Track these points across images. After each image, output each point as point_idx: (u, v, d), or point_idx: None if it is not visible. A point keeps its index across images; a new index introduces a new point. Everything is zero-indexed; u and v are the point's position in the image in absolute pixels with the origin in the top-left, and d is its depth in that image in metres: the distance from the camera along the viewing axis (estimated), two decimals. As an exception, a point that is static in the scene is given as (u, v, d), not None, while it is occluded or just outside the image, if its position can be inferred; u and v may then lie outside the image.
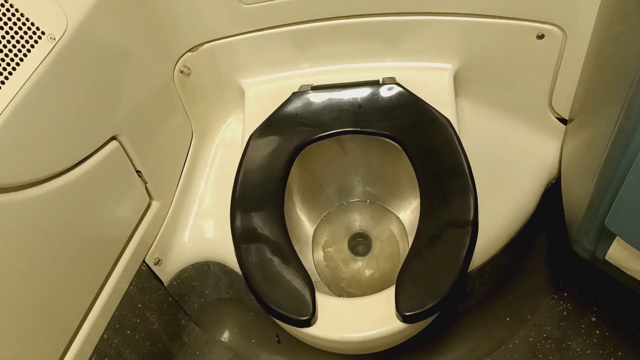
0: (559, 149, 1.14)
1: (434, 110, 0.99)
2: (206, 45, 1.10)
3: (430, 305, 0.76)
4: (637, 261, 0.78)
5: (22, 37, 0.73)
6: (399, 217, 1.10)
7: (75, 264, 0.86)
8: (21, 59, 0.72)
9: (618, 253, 0.80)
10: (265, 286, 0.82)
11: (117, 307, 0.98)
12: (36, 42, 0.74)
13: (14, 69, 0.71)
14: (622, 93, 0.69)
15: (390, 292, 0.80)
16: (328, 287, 1.03)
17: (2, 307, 0.73)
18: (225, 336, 1.23)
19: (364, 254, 1.10)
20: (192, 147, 1.18)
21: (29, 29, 0.74)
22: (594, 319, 1.13)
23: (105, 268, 0.95)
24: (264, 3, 1.03)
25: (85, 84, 0.83)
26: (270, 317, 0.83)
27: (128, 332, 1.02)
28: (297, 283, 0.82)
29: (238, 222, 0.90)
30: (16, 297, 0.75)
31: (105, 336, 0.95)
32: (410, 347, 1.05)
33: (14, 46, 0.72)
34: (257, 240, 0.88)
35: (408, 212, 1.08)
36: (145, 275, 1.06)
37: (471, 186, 0.88)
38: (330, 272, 1.06)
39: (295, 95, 1.06)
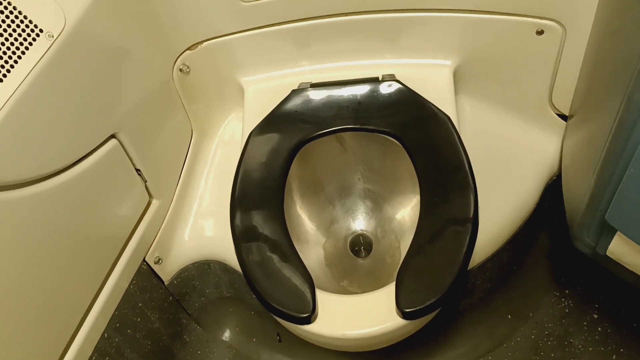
0: (560, 145, 1.13)
1: (433, 107, 0.99)
2: (205, 43, 1.10)
3: (430, 302, 0.76)
4: (638, 256, 0.77)
5: (20, 35, 0.73)
6: (399, 214, 1.10)
7: (75, 262, 0.86)
8: (19, 57, 0.72)
9: (619, 248, 0.79)
10: (265, 284, 0.82)
11: (118, 306, 0.98)
12: (34, 39, 0.74)
13: (12, 66, 0.71)
14: (621, 87, 0.68)
15: (391, 288, 0.79)
16: (328, 285, 1.03)
17: (2, 306, 0.73)
18: (226, 335, 1.23)
19: (364, 251, 1.10)
20: (191, 146, 1.18)
21: (27, 26, 0.74)
22: (595, 316, 1.13)
23: (106, 267, 0.95)
24: (263, 0, 1.03)
25: (84, 81, 0.83)
26: (271, 315, 0.83)
27: (129, 331, 1.01)
28: (297, 280, 0.82)
29: (238, 221, 0.90)
30: (16, 295, 0.75)
31: (106, 335, 0.95)
32: (411, 344, 1.05)
33: (12, 44, 0.72)
34: (257, 239, 0.87)
35: (408, 209, 1.08)
36: (145, 274, 1.06)
37: (471, 183, 0.88)
38: (330, 270, 1.06)
39: (294, 92, 1.05)
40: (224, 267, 1.15)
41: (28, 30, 0.74)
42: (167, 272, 1.13)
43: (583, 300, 1.15)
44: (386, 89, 1.03)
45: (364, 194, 1.13)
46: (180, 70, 1.10)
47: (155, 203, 1.07)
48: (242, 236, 0.88)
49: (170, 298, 1.15)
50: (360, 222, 1.12)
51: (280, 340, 1.21)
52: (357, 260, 1.08)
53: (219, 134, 1.26)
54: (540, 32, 1.00)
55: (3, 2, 0.73)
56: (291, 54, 1.13)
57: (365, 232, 1.11)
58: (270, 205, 0.92)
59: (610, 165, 0.74)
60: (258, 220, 0.90)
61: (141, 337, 1.05)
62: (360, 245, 1.11)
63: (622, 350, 1.08)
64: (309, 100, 1.04)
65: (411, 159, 0.93)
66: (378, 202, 1.12)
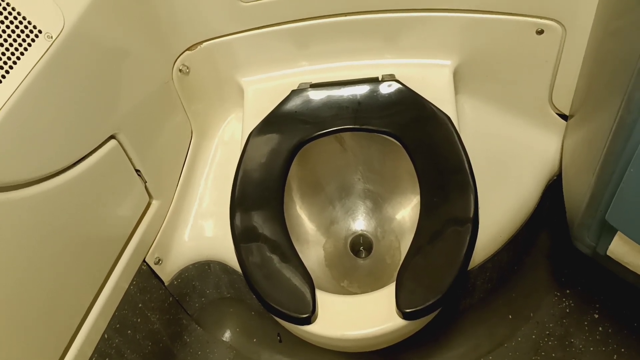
0: (560, 144, 1.13)
1: (433, 107, 0.99)
2: (205, 43, 1.10)
3: (430, 302, 0.76)
4: (639, 256, 0.77)
5: (19, 36, 0.73)
6: (399, 214, 1.09)
7: (75, 263, 0.86)
8: (18, 58, 0.72)
9: (619, 248, 0.79)
10: (265, 284, 0.82)
11: (118, 306, 0.98)
12: (33, 40, 0.74)
13: (10, 67, 0.71)
14: (621, 87, 0.68)
15: (391, 289, 0.79)
16: (328, 286, 1.03)
17: (2, 306, 0.73)
18: (227, 335, 1.23)
19: (364, 251, 1.09)
20: (191, 146, 1.18)
21: (26, 27, 0.74)
22: (596, 316, 1.13)
23: (106, 267, 0.95)
24: (263, 1, 1.03)
25: (83, 82, 0.83)
26: (271, 315, 0.83)
27: (129, 331, 1.01)
28: (297, 281, 0.81)
29: (238, 221, 0.90)
30: (16, 296, 0.75)
31: (106, 336, 0.95)
32: (411, 344, 1.05)
33: (11, 45, 0.72)
34: (257, 239, 0.87)
35: (408, 209, 1.08)
36: (145, 275, 1.06)
37: (471, 183, 0.88)
38: (330, 271, 1.06)
39: (294, 92, 1.05)
40: (224, 267, 1.15)
41: (27, 31, 0.74)
42: (167, 272, 1.13)
43: (584, 300, 1.15)
44: (386, 89, 1.03)
45: (364, 194, 1.13)
46: (180, 70, 1.10)
47: (155, 203, 1.07)
48: (241, 237, 0.88)
49: (171, 299, 1.15)
50: (360, 223, 1.12)
51: (280, 341, 1.21)
52: (357, 260, 1.08)
53: (219, 135, 1.26)
54: (540, 32, 1.00)
55: (2, 3, 0.73)
56: (291, 54, 1.13)
57: (365, 233, 1.11)
58: (270, 205, 0.91)
59: (610, 165, 0.74)
60: (258, 220, 0.90)
61: (141, 337, 1.05)
62: (360, 245, 1.10)
63: (623, 350, 1.08)
64: (309, 101, 1.03)
65: (411, 159, 0.93)
66: (378, 203, 1.12)
